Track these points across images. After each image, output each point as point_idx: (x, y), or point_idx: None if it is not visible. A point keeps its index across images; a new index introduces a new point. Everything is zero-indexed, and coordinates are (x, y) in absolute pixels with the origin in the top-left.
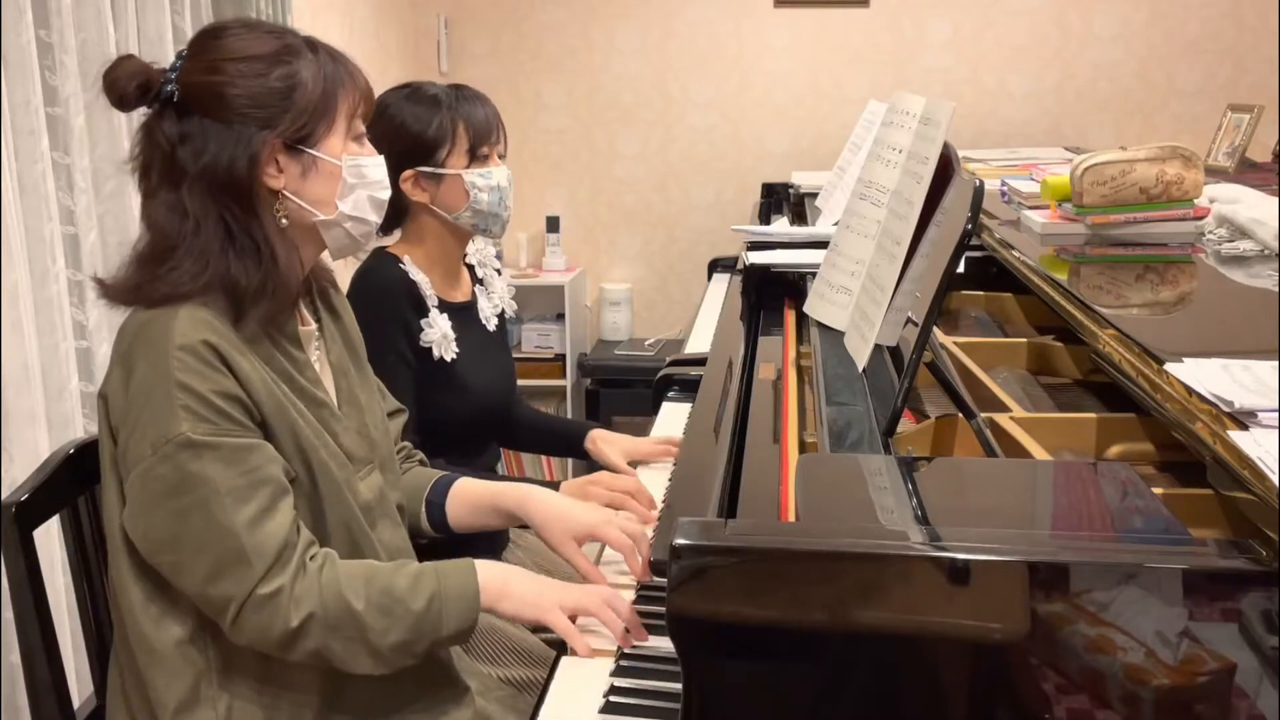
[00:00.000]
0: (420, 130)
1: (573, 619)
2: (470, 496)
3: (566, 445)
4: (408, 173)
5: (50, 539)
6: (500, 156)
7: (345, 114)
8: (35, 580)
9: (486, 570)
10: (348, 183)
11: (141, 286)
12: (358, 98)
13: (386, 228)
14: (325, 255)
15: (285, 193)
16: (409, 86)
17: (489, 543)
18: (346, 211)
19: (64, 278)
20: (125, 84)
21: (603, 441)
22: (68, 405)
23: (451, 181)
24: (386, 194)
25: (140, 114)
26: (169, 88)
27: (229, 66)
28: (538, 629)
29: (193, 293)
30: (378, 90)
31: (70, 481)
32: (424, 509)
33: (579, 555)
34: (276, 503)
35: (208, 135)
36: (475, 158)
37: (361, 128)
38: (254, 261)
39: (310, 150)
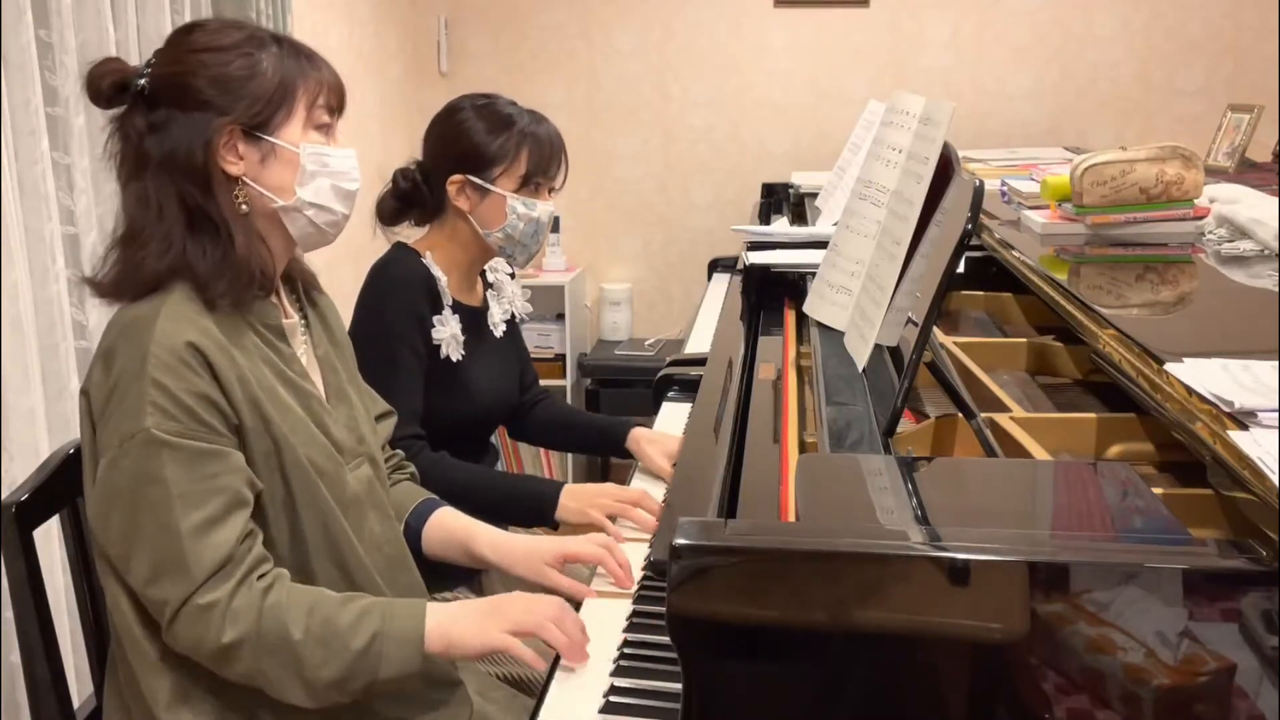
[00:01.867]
0: (483, 142)
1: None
2: (444, 530)
3: (605, 443)
4: (457, 178)
5: (50, 539)
6: (551, 192)
7: (305, 103)
8: (35, 580)
9: (435, 615)
10: (307, 170)
11: (121, 275)
12: (320, 89)
13: (421, 221)
14: (306, 257)
15: (245, 179)
16: (489, 98)
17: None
18: (307, 199)
19: (64, 278)
20: (101, 81)
21: (646, 442)
22: (68, 405)
23: (495, 200)
24: (354, 186)
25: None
26: (140, 82)
27: (192, 58)
28: None
29: (162, 273)
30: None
31: (70, 481)
32: (402, 529)
33: (559, 578)
34: (229, 514)
35: (172, 124)
36: (526, 186)
37: (325, 118)
38: (212, 243)
39: (268, 137)
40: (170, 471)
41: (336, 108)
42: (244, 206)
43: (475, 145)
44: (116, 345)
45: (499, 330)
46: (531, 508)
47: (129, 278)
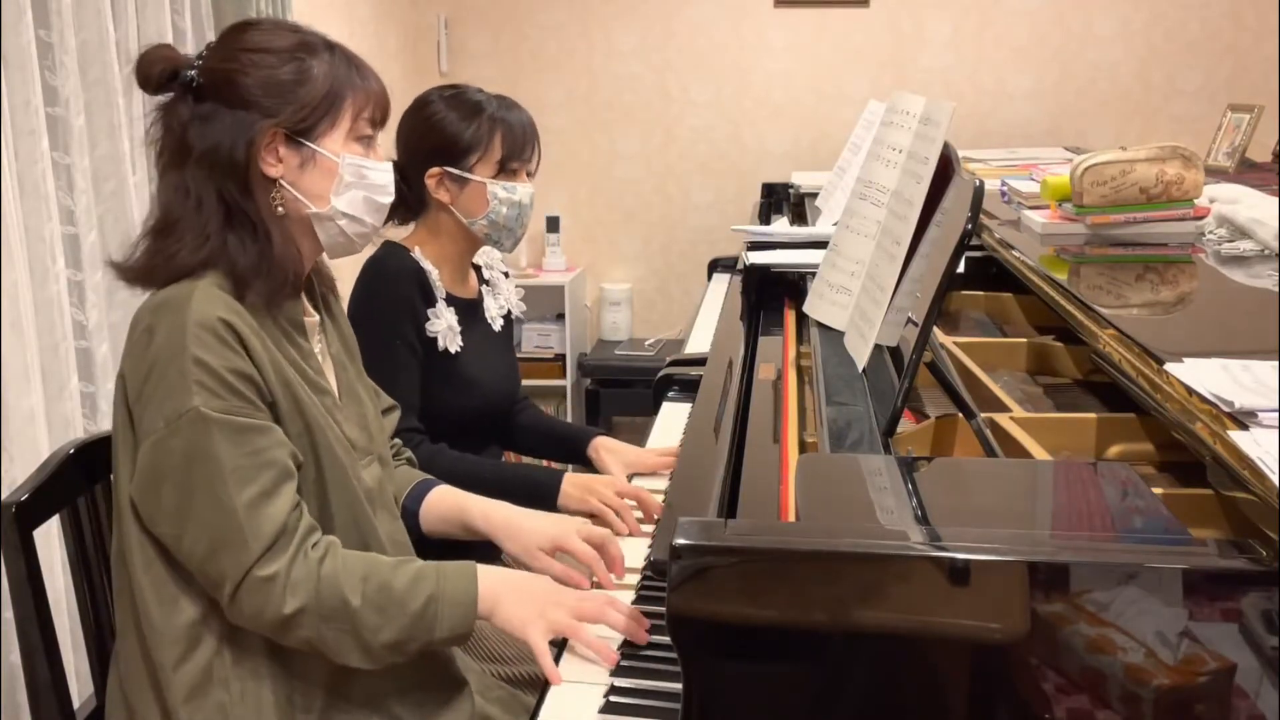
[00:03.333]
0: (456, 132)
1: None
2: (440, 507)
3: (569, 451)
4: (434, 170)
5: (50, 539)
6: (529, 174)
7: (350, 115)
8: (35, 580)
9: (486, 578)
10: (344, 180)
11: (151, 264)
12: (366, 102)
13: (405, 220)
14: (327, 260)
15: (282, 182)
16: (456, 88)
17: (482, 545)
18: (340, 208)
19: (64, 278)
20: (153, 67)
21: (605, 451)
22: (68, 405)
23: (475, 188)
24: (388, 199)
25: (149, 102)
26: (190, 73)
27: (245, 56)
28: None
29: (193, 266)
30: (412, 90)
31: (70, 481)
32: (400, 511)
33: (551, 564)
34: (279, 486)
35: (216, 119)
36: (504, 170)
37: (368, 131)
38: (251, 239)
39: (310, 144)
40: (221, 449)
41: (380, 120)
42: (280, 209)
43: (448, 136)
44: (153, 325)
45: (497, 324)
46: (533, 495)
47: (161, 267)
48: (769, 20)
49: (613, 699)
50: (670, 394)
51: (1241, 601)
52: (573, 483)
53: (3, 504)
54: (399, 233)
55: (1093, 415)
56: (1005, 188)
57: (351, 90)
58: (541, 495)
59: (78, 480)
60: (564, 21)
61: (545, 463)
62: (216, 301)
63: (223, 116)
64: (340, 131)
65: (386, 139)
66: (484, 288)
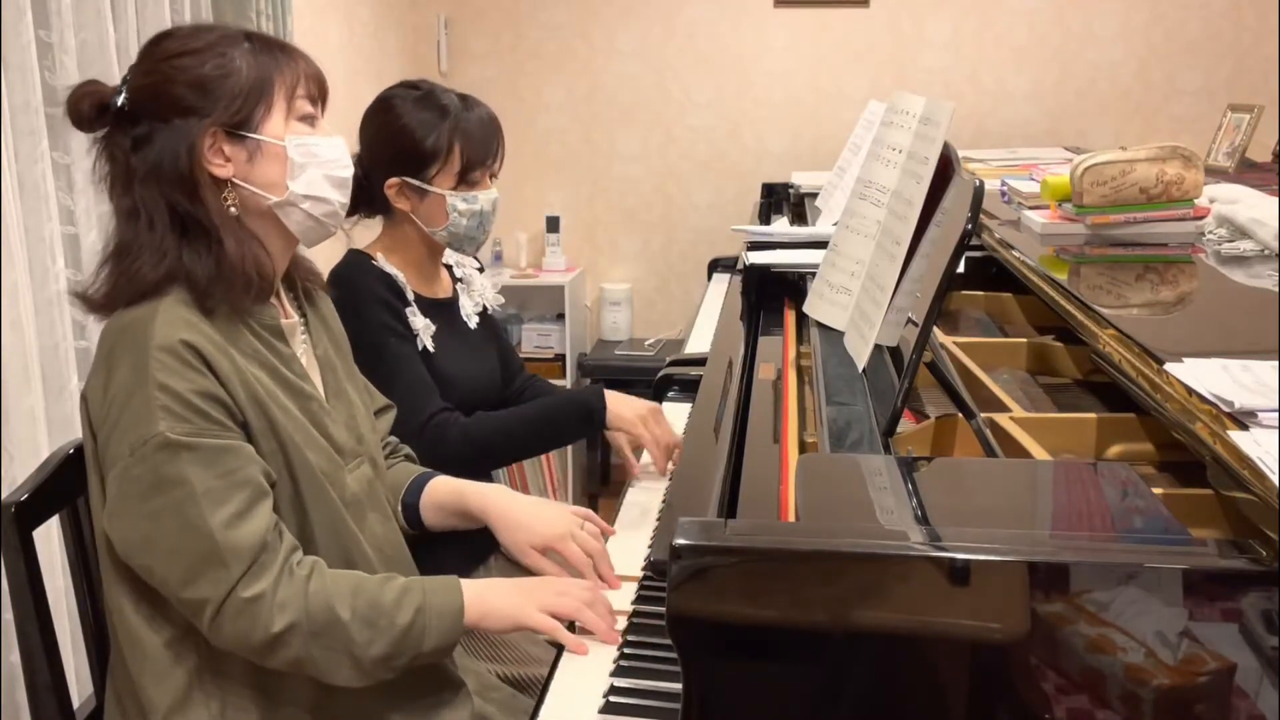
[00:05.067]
0: (416, 141)
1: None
2: (439, 498)
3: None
4: (394, 180)
5: (50, 539)
6: (492, 177)
7: (284, 95)
8: (35, 580)
9: (470, 588)
10: (296, 162)
11: (114, 290)
12: (297, 79)
13: (370, 214)
14: (307, 254)
15: (235, 180)
16: (421, 90)
17: (478, 539)
18: (300, 191)
19: (64, 278)
20: (81, 104)
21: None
22: (68, 405)
23: (435, 199)
24: (346, 173)
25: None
26: (119, 99)
27: (165, 65)
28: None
29: (156, 282)
30: (381, 83)
31: (70, 481)
32: (400, 509)
33: (542, 562)
34: (254, 505)
35: (154, 136)
36: (464, 181)
37: (308, 108)
38: (205, 250)
39: (252, 134)
40: (191, 472)
41: (318, 97)
42: (233, 209)
43: (412, 144)
44: (116, 350)
45: (472, 322)
46: (583, 421)
47: (123, 290)
48: (769, 20)
49: (613, 699)
50: (670, 394)
51: (1241, 601)
52: (619, 401)
53: (3, 504)
54: (365, 236)
55: (1093, 415)
56: (1005, 188)
57: (278, 71)
58: (590, 420)
59: (78, 480)
60: (564, 21)
61: (546, 465)
62: (179, 322)
63: (160, 131)
64: (278, 115)
65: (349, 133)
66: (459, 285)
